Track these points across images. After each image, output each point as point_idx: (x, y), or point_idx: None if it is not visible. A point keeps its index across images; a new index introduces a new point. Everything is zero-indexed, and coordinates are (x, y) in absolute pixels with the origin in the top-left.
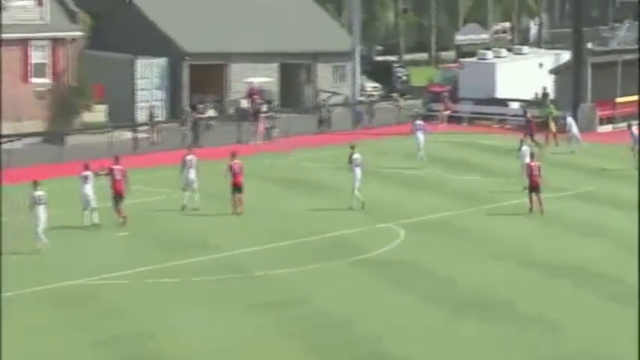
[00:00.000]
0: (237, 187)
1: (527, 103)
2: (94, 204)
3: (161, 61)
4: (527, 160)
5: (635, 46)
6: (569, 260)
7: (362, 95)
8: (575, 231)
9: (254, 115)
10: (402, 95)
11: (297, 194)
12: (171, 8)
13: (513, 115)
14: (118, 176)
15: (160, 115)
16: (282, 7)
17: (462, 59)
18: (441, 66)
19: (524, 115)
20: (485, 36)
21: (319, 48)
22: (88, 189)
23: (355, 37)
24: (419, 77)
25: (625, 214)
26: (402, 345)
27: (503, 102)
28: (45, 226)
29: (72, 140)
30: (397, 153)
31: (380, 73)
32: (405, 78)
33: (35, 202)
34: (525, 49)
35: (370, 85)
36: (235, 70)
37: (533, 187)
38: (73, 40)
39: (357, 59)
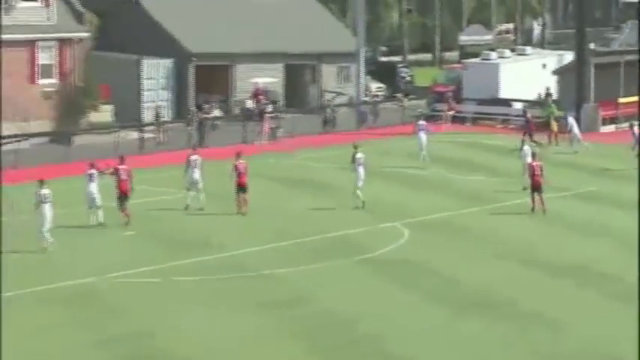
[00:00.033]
0: (241, 187)
1: (530, 104)
2: (98, 202)
3: (167, 62)
4: (529, 160)
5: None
6: (571, 260)
7: (366, 95)
8: (577, 230)
9: (259, 115)
10: (406, 95)
11: (302, 194)
12: (178, 9)
13: (516, 116)
14: (124, 176)
15: (166, 115)
16: (287, 8)
17: (465, 60)
18: (445, 66)
19: (524, 115)
20: (488, 37)
21: (324, 49)
22: (93, 187)
23: (359, 38)
24: (423, 78)
25: (627, 214)
26: (406, 344)
27: (507, 102)
28: (51, 225)
29: (79, 140)
30: (401, 153)
31: (384, 73)
32: (409, 78)
33: (41, 201)
34: (528, 49)
35: (375, 86)
36: (241, 70)
37: (535, 187)
38: (80, 40)
39: (362, 60)
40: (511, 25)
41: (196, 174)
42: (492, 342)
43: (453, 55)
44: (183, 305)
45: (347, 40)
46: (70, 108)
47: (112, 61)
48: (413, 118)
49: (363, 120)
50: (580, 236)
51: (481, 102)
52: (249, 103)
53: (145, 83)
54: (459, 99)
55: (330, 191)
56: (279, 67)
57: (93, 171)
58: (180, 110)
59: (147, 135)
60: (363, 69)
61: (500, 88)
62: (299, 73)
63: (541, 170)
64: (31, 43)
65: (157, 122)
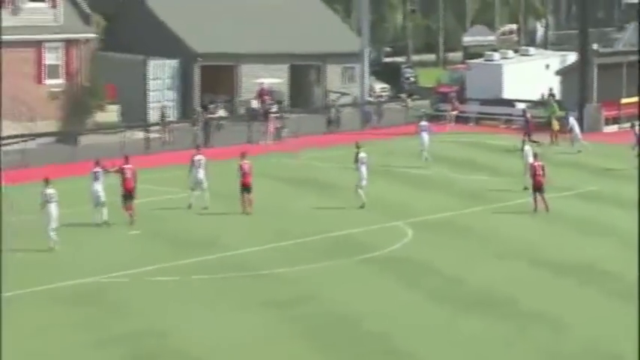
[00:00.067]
0: (246, 187)
1: (533, 104)
2: (103, 199)
3: (173, 62)
4: (531, 160)
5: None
6: (573, 259)
7: (371, 96)
8: (579, 230)
9: (264, 115)
10: (410, 96)
11: (307, 193)
12: (183, 10)
13: (520, 116)
14: (129, 174)
15: (172, 115)
16: (292, 9)
17: (469, 60)
18: (449, 67)
19: (524, 115)
20: (492, 37)
21: (329, 49)
22: (98, 186)
23: (364, 39)
24: (427, 78)
25: (629, 213)
26: (409, 342)
27: (510, 103)
28: (57, 224)
29: (85, 140)
30: (405, 153)
31: (388, 74)
32: (413, 79)
33: (46, 200)
34: (532, 50)
35: (379, 86)
36: (246, 70)
37: (537, 187)
38: (86, 41)
39: (366, 60)
40: (514, 26)
41: (200, 174)
42: (495, 340)
43: (457, 55)
44: (187, 304)
45: (351, 41)
46: (77, 108)
47: (118, 62)
48: (416, 118)
49: (368, 120)
50: (582, 235)
51: (484, 102)
52: (255, 104)
53: (151, 83)
54: (462, 99)
55: (335, 191)
56: (284, 68)
57: (98, 169)
58: (185, 110)
59: (152, 135)
60: (367, 69)
61: (503, 89)
62: (304, 74)
63: (542, 170)
64: (38, 44)
65: (163, 122)
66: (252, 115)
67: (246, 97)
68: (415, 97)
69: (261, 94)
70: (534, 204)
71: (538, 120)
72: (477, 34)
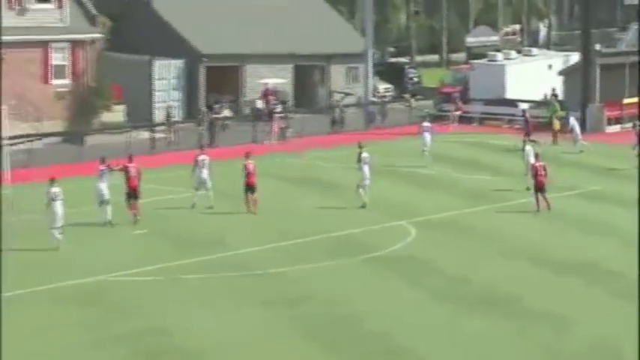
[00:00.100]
0: (250, 187)
1: (535, 104)
2: (107, 198)
3: (178, 63)
4: (532, 160)
5: None
6: (576, 258)
7: (374, 96)
8: (582, 229)
9: (269, 115)
10: (413, 96)
11: (311, 193)
12: (188, 11)
13: (520, 116)
14: (133, 173)
15: (177, 115)
16: (297, 10)
17: (472, 61)
18: (452, 67)
19: (523, 115)
20: (495, 38)
21: (333, 50)
22: (103, 183)
23: (368, 39)
24: (430, 78)
25: (631, 213)
26: (412, 341)
27: (513, 103)
28: (62, 223)
29: (91, 140)
30: (409, 153)
31: (392, 74)
32: (416, 79)
33: (52, 199)
34: (535, 50)
35: (383, 86)
36: (250, 71)
37: (539, 187)
38: (92, 42)
39: (370, 61)
40: (517, 27)
41: (204, 174)
42: (498, 339)
43: (460, 56)
44: (189, 303)
45: (355, 42)
46: (83, 108)
47: (124, 62)
48: (420, 118)
49: (371, 120)
50: (585, 235)
51: (488, 102)
52: (259, 104)
53: (157, 84)
54: (465, 99)
55: (339, 191)
56: (288, 68)
57: (103, 167)
58: (191, 110)
59: (158, 135)
60: (371, 70)
61: (506, 89)
62: (308, 74)
63: (544, 170)
64: (44, 44)
65: (168, 122)
66: (257, 115)
67: (250, 97)
68: (419, 97)
69: (265, 95)
70: (537, 204)
71: (539, 120)
72: (480, 34)
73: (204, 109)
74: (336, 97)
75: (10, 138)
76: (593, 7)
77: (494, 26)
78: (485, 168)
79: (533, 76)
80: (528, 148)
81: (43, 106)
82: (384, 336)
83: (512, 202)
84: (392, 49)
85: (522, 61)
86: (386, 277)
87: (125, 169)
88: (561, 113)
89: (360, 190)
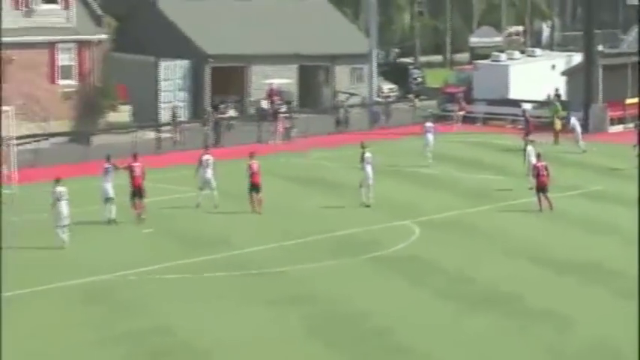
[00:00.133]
0: (254, 187)
1: (538, 104)
2: (112, 196)
3: (184, 63)
4: (534, 160)
5: None
6: (578, 257)
7: (379, 96)
8: (584, 229)
9: (273, 115)
10: (417, 96)
11: (315, 193)
12: (194, 12)
13: (521, 116)
14: (137, 172)
15: (183, 115)
16: (301, 11)
17: (476, 61)
18: (456, 68)
19: (523, 115)
20: (498, 38)
21: (337, 50)
22: (108, 182)
23: (372, 40)
24: (434, 79)
25: (633, 212)
26: (415, 340)
27: (516, 103)
28: (68, 222)
29: (97, 140)
30: (413, 152)
31: (396, 74)
32: (420, 79)
33: (57, 198)
34: (538, 51)
35: (387, 87)
36: (256, 71)
37: (541, 188)
38: (99, 42)
39: (374, 61)
40: (521, 28)
41: (208, 173)
42: (500, 338)
43: (464, 56)
44: (194, 302)
45: (360, 42)
46: (89, 108)
47: (130, 63)
48: (424, 118)
49: (376, 120)
50: (587, 234)
51: (491, 102)
52: (264, 104)
53: (162, 84)
54: (469, 100)
55: (343, 190)
56: (293, 69)
57: (108, 165)
58: (196, 110)
59: (164, 135)
60: (375, 70)
61: (509, 89)
62: (313, 74)
63: (546, 170)
64: (51, 45)
65: (174, 122)
66: (262, 115)
67: (255, 97)
68: (423, 97)
69: (270, 95)
70: (539, 204)
71: (541, 120)
72: (483, 35)
73: (209, 109)
74: (341, 97)
75: (18, 138)
76: (596, 8)
77: (497, 27)
78: (488, 168)
79: (537, 76)
80: (530, 148)
81: (50, 106)
82: (387, 334)
83: (515, 201)
84: (396, 50)
85: (525, 62)
86: (389, 277)
87: (130, 168)
88: (563, 113)
89: (361, 190)
